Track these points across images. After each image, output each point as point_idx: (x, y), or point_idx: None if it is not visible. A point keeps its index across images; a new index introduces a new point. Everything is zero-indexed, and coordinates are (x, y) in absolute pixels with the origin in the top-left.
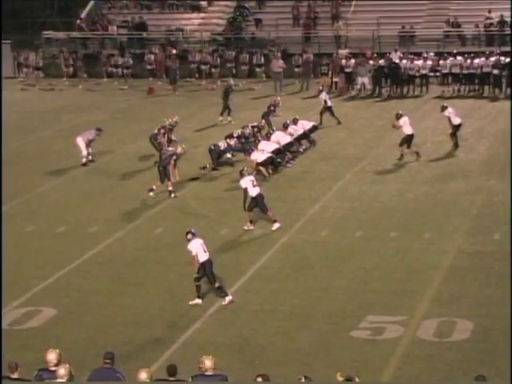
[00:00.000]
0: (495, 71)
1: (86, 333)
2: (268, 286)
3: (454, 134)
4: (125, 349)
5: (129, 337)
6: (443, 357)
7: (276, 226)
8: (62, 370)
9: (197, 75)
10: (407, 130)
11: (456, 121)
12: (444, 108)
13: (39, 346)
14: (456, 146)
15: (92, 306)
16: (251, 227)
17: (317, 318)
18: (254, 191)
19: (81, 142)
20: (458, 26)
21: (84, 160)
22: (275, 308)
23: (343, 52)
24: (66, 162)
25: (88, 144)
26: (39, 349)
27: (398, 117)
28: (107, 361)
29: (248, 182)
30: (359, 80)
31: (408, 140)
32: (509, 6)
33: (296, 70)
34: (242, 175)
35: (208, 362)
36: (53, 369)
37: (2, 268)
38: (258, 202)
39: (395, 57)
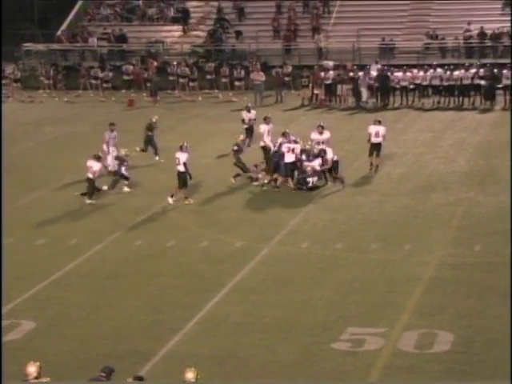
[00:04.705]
0: (483, 82)
1: (67, 345)
2: (249, 297)
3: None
4: (106, 361)
5: (109, 349)
6: (424, 368)
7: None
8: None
9: (176, 89)
10: (373, 139)
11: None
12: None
13: (19, 359)
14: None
15: (72, 318)
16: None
17: (298, 330)
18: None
19: (105, 146)
20: (438, 38)
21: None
22: (256, 320)
23: (328, 63)
24: (47, 174)
25: (108, 145)
26: (19, 362)
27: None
28: (102, 374)
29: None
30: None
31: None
32: (488, 19)
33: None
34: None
35: (189, 374)
36: (33, 381)
37: None
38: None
39: (374, 68)
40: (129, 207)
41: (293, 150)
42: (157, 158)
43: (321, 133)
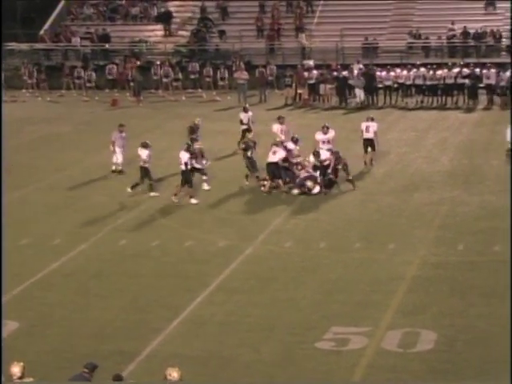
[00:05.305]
0: (467, 81)
1: (50, 345)
2: (232, 297)
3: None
4: (89, 361)
5: (93, 349)
6: (407, 367)
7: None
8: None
9: (160, 88)
10: (365, 135)
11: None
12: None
13: (3, 358)
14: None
15: (56, 318)
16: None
17: (281, 330)
18: None
19: (117, 148)
20: (421, 37)
21: (113, 167)
22: (240, 320)
23: (309, 62)
24: (30, 174)
25: (121, 146)
26: (3, 362)
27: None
28: (85, 370)
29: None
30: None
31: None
32: (471, 19)
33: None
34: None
35: (175, 374)
36: (17, 382)
37: None
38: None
39: (357, 68)
40: (113, 207)
41: (274, 152)
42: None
43: (325, 133)
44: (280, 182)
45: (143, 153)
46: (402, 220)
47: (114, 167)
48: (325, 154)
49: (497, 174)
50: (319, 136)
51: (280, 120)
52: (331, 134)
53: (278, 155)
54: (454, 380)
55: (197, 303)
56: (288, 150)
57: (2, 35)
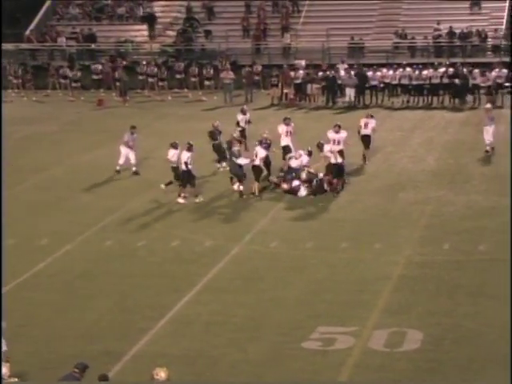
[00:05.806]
0: (457, 81)
1: (36, 346)
2: (219, 297)
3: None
4: (76, 362)
5: (79, 350)
6: (394, 367)
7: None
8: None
9: (146, 88)
10: (363, 131)
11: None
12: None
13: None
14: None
15: (42, 319)
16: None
17: (268, 329)
18: None
19: (123, 148)
20: (407, 37)
21: (117, 167)
22: (226, 319)
23: (300, 63)
24: (16, 174)
25: (131, 147)
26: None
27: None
28: (76, 370)
29: None
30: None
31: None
32: (457, 18)
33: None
34: None
35: (163, 374)
36: (6, 381)
37: None
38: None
39: (342, 68)
40: (99, 207)
41: (256, 155)
42: (218, 165)
43: (337, 132)
44: (256, 184)
45: (169, 152)
46: (387, 220)
47: (117, 167)
48: (327, 148)
49: (482, 174)
50: (331, 135)
51: (286, 121)
52: (343, 134)
53: (259, 156)
54: (440, 379)
55: (183, 303)
56: (304, 165)
57: (1, 35)
